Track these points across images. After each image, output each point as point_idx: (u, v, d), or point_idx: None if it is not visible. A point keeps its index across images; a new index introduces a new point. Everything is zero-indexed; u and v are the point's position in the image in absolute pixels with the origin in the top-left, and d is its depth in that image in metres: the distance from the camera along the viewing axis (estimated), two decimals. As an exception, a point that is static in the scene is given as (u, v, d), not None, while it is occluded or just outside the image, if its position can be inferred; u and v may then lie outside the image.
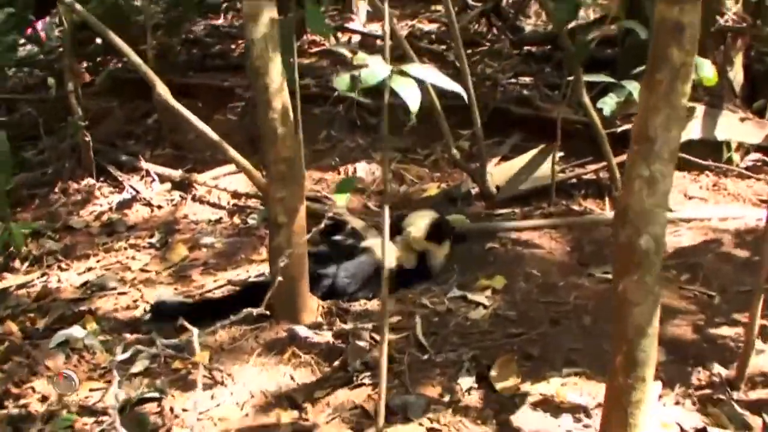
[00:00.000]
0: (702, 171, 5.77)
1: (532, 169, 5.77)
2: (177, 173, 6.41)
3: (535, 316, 4.09)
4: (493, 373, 3.59)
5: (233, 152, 4.20)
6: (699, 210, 5.26)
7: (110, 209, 6.16)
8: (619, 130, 5.47)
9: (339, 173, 6.35)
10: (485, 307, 4.20)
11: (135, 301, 4.68)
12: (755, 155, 5.94)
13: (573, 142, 5.90)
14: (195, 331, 3.22)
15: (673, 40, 2.41)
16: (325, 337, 3.95)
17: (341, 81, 2.60)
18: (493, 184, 5.67)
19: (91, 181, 6.56)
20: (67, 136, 7.03)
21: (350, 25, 9.09)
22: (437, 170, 6.28)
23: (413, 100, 2.52)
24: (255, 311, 3.32)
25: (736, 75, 6.09)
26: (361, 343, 3.83)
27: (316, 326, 4.06)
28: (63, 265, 5.37)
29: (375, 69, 2.55)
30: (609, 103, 5.02)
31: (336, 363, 3.78)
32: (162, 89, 4.17)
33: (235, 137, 6.03)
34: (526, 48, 8.46)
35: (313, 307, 4.19)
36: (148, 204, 6.18)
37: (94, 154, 6.65)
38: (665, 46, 2.42)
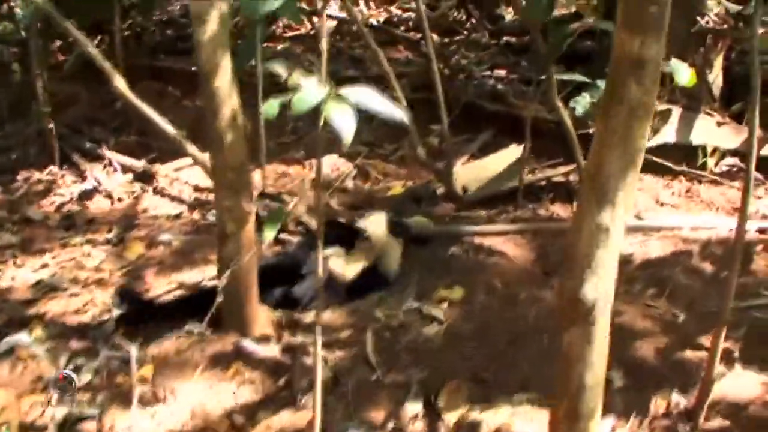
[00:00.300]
0: (675, 176, 5.59)
1: (501, 169, 5.59)
2: (140, 164, 6.21)
3: (492, 334, 3.92)
4: (441, 400, 3.43)
5: (192, 148, 4.02)
6: (670, 218, 5.07)
7: (71, 200, 5.96)
8: (592, 131, 5.28)
9: (303, 167, 6.15)
10: (440, 322, 4.02)
11: (85, 304, 4.44)
12: (730, 160, 5.77)
13: (544, 142, 5.74)
14: (132, 350, 3.04)
15: (632, 76, 2.18)
16: (273, 351, 3.78)
17: (269, 107, 2.39)
18: (459, 185, 5.49)
19: (54, 169, 6.36)
20: (32, 121, 6.85)
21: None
22: (404, 167, 6.09)
23: (347, 131, 2.32)
24: (196, 329, 3.15)
25: (716, 78, 5.92)
26: (309, 360, 3.64)
27: (264, 339, 3.88)
28: (18, 261, 5.13)
29: (308, 93, 2.35)
30: (581, 103, 4.91)
31: (281, 381, 3.61)
32: (119, 82, 4.02)
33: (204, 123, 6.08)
34: (504, 38, 8.25)
35: (262, 318, 4.00)
36: (109, 196, 5.98)
37: (59, 139, 6.47)
38: (622, 81, 2.18)
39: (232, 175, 3.66)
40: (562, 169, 5.54)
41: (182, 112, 6.46)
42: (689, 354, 3.75)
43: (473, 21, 8.59)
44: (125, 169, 6.28)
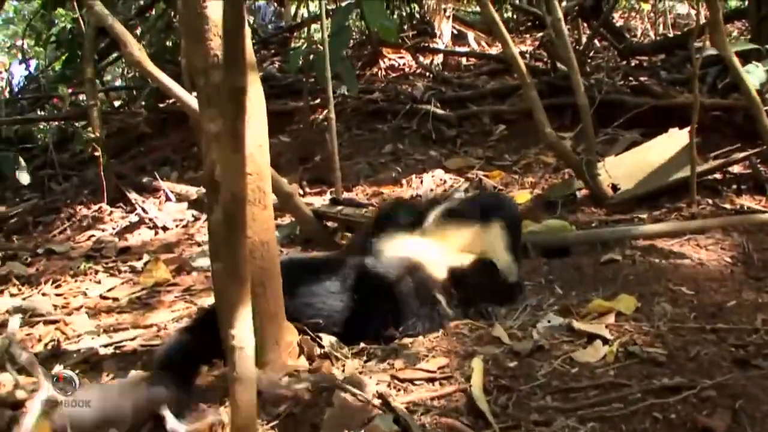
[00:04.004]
0: None
1: (662, 160, 3.71)
2: (194, 190, 4.60)
3: (702, 356, 2.00)
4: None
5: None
6: None
7: (111, 233, 4.46)
8: None
9: (401, 186, 4.42)
10: (606, 341, 2.11)
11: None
12: None
13: (707, 135, 3.87)
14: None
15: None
16: (298, 391, 1.90)
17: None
18: (608, 183, 3.63)
19: (103, 206, 4.94)
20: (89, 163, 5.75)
21: (433, 45, 7.23)
22: (530, 175, 4.25)
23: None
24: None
25: None
26: (351, 404, 1.80)
27: (290, 372, 2.02)
28: (13, 290, 3.62)
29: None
30: (756, 73, 3.25)
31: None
32: (136, 50, 2.61)
33: (286, 155, 5.25)
34: (635, 59, 6.38)
35: (290, 344, 2.16)
36: (155, 226, 4.44)
37: (119, 178, 5.22)
38: None
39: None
40: (743, 155, 3.63)
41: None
42: None
43: (595, 41, 6.69)
44: (180, 198, 4.73)
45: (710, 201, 3.45)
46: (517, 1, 8.03)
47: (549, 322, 2.28)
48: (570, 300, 2.50)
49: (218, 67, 1.91)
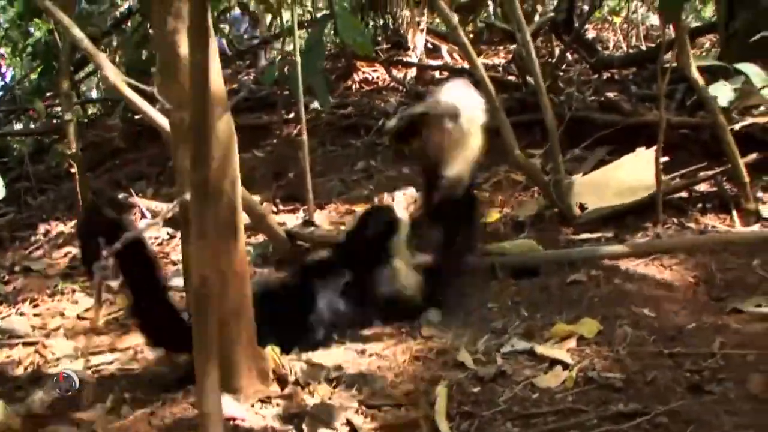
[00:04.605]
0: None
1: (629, 181, 3.79)
2: (169, 206, 4.63)
3: (659, 381, 2.08)
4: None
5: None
6: None
7: None
8: (738, 126, 3.66)
9: (373, 203, 4.48)
10: (567, 366, 2.19)
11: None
12: None
13: (674, 153, 3.96)
14: None
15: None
16: (267, 420, 1.97)
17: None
18: (575, 202, 3.72)
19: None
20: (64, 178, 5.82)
21: (406, 59, 7.30)
22: (500, 193, 4.32)
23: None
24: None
25: None
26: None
27: (263, 398, 2.10)
28: None
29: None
30: (723, 92, 3.47)
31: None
32: (111, 73, 2.61)
33: (260, 170, 5.29)
34: (607, 72, 6.46)
35: (263, 367, 2.23)
36: None
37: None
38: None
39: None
40: (709, 173, 3.73)
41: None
42: None
43: (566, 54, 6.75)
44: (155, 215, 4.69)
45: (675, 220, 3.53)
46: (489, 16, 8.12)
47: (513, 346, 2.36)
48: (535, 322, 2.59)
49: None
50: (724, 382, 2.06)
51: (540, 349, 2.30)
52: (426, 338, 2.55)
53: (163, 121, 2.75)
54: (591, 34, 8.40)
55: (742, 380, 2.04)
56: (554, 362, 2.22)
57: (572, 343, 2.35)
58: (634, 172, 3.81)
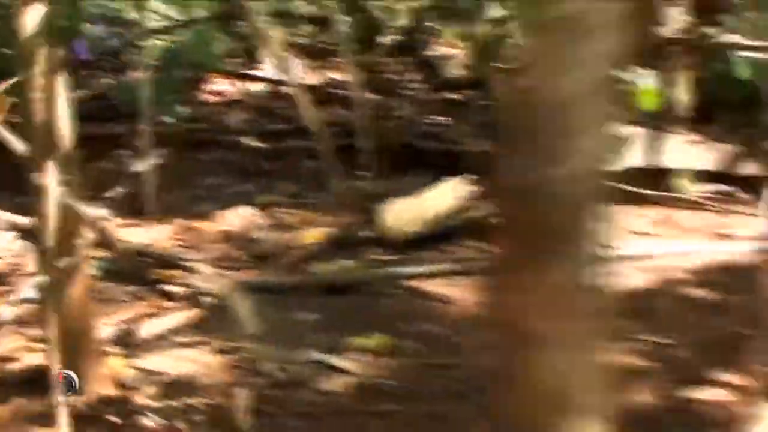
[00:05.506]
0: (650, 203, 4.29)
1: (440, 207, 4.27)
2: (26, 220, 4.84)
3: (423, 390, 2.55)
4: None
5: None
6: (649, 246, 3.80)
7: None
8: None
9: (214, 221, 4.80)
10: (351, 374, 2.64)
11: None
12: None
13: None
14: None
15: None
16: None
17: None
18: (390, 226, 4.17)
19: None
20: None
21: (258, 73, 7.62)
22: (329, 214, 4.72)
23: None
24: None
25: (684, 95, 4.65)
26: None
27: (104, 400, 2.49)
28: None
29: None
30: None
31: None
32: None
33: (106, 183, 5.04)
34: (445, 93, 6.94)
35: (106, 376, 2.64)
36: None
37: None
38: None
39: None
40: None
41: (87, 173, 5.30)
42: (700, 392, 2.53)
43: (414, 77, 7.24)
44: (9, 227, 4.87)
45: (477, 244, 4.01)
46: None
47: (311, 357, 2.79)
48: (336, 337, 3.01)
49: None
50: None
51: (333, 361, 2.73)
52: (237, 348, 2.96)
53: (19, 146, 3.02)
54: (441, 51, 8.77)
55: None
56: (343, 371, 2.66)
57: (364, 355, 2.80)
58: (449, 199, 4.29)
